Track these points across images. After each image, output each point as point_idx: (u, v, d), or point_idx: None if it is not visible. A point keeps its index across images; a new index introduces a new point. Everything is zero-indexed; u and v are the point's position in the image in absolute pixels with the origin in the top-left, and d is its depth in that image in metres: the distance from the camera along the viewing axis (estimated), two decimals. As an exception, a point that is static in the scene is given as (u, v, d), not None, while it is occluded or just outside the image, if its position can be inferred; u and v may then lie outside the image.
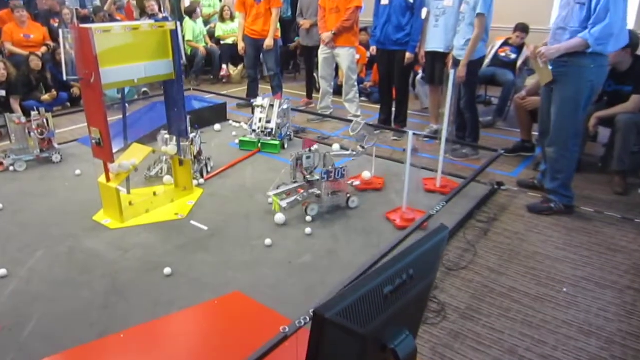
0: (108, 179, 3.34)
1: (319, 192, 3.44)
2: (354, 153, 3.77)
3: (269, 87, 6.71)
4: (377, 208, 3.60)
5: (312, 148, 3.51)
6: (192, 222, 3.40)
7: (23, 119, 4.34)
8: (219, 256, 3.02)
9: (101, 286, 2.72)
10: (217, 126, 5.56)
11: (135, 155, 3.51)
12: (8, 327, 2.39)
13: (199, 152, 4.17)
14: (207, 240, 3.19)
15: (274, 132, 4.83)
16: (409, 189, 3.35)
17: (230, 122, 5.81)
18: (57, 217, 3.47)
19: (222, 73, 8.29)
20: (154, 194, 3.74)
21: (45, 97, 6.05)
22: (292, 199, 3.37)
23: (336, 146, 4.85)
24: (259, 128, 4.86)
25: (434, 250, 1.20)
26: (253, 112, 5.02)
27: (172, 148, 3.76)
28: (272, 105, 4.94)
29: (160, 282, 2.76)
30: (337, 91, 6.40)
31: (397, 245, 2.68)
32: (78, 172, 4.25)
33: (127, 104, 3.89)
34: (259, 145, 4.82)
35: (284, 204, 3.32)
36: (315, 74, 6.87)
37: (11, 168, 4.32)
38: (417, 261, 1.14)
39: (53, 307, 2.55)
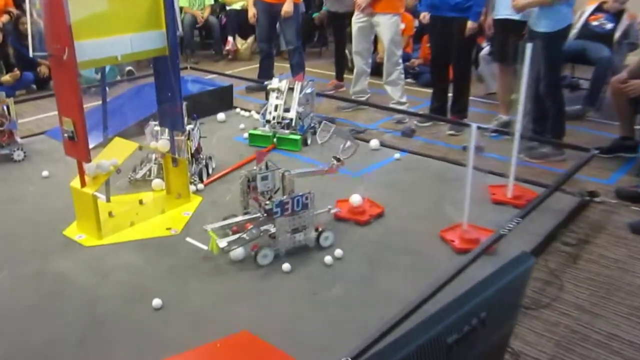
0: (83, 184, 3.38)
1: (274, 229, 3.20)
2: (325, 169, 3.52)
3: (287, 66, 6.74)
4: (426, 224, 3.56)
5: (269, 164, 3.29)
6: (188, 240, 3.41)
7: (-22, 106, 4.45)
8: (221, 284, 3.02)
9: (76, 319, 2.74)
10: (220, 115, 5.61)
11: (117, 152, 3.54)
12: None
13: (198, 150, 4.20)
14: (207, 263, 3.19)
15: (293, 124, 4.83)
16: (471, 199, 3.30)
17: (238, 110, 5.85)
18: (22, 230, 3.53)
19: (227, 47, 8.39)
20: (140, 202, 3.76)
21: (6, 77, 6.22)
22: (236, 237, 3.13)
23: (374, 142, 4.85)
24: (274, 118, 4.87)
25: (513, 286, 1.16)
26: (267, 98, 5.04)
27: (163, 144, 3.79)
28: (291, 89, 4.96)
29: (148, 317, 2.76)
30: (376, 71, 6.40)
31: (457, 275, 2.64)
32: (45, 173, 4.32)
33: (107, 87, 3.94)
34: (275, 140, 4.83)
35: (223, 243, 3.10)
36: (347, 49, 6.87)
37: (-37, 167, 4.43)
38: (492, 301, 1.10)
39: (18, 342, 2.58)
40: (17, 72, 6.28)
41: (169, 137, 3.80)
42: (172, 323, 2.72)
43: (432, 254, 3.27)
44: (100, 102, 3.78)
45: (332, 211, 3.61)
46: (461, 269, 2.68)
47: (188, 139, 3.97)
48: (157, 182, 4.02)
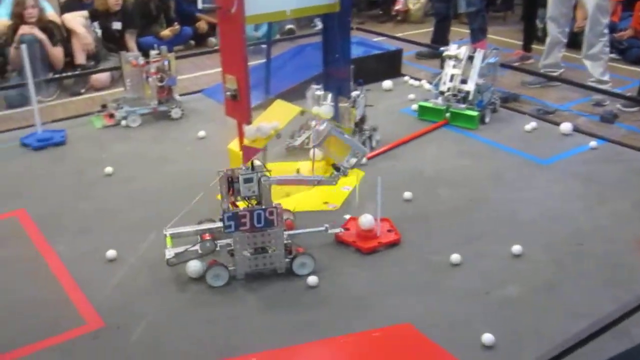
0: (242, 147, 3.57)
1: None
2: (322, 179, 3.22)
3: (465, 31, 6.60)
4: (627, 228, 3.37)
5: (256, 163, 3.04)
6: (348, 217, 3.49)
7: (141, 60, 4.86)
8: (382, 270, 3.07)
9: (221, 292, 2.94)
10: (386, 83, 5.64)
11: (278, 116, 3.67)
12: (116, 325, 2.72)
13: (362, 119, 4.26)
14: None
15: (471, 98, 4.74)
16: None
17: (406, 78, 5.84)
18: (174, 191, 3.82)
19: (397, 7, 8.37)
20: (297, 172, 3.89)
21: (166, 32, 6.70)
22: (184, 249, 3.00)
23: (565, 126, 4.63)
24: (449, 90, 4.81)
25: None
26: (442, 66, 4.98)
27: (327, 110, 3.87)
28: (471, 58, 4.86)
29: (301, 293, 2.91)
30: (572, 42, 6.07)
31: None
32: (202, 133, 4.63)
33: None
34: (447, 115, 4.79)
35: (169, 253, 3.00)
36: (538, 14, 6.59)
37: (123, 122, 4.88)
38: None
39: (166, 310, 2.83)
40: (176, 26, 6.74)
41: (332, 103, 3.87)
42: (325, 303, 2.84)
43: (633, 263, 3.09)
44: (258, 61, 3.91)
45: (331, 231, 3.26)
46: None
47: (353, 106, 4.02)
48: (315, 152, 4.13)
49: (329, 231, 3.23)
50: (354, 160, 3.14)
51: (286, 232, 3.11)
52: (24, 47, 4.57)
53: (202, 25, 7.26)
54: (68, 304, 2.87)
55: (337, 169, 3.13)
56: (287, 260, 3.03)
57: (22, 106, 5.31)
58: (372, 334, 2.55)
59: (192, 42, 7.21)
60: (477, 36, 6.12)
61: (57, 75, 5.82)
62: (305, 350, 2.49)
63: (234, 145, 3.64)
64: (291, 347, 2.52)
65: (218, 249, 3.03)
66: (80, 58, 6.03)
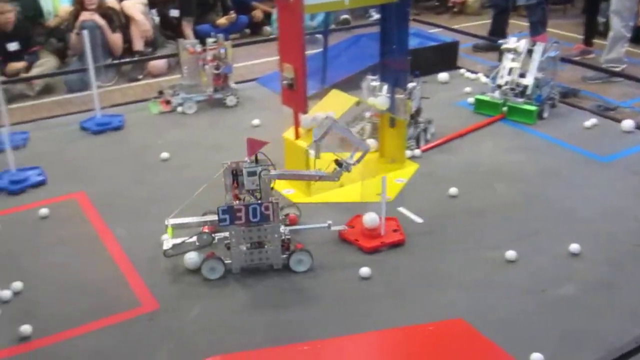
0: (297, 136, 3.59)
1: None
2: (324, 174, 3.13)
3: (525, 24, 6.48)
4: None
5: (260, 157, 3.00)
6: (401, 210, 3.50)
7: (198, 48, 4.92)
8: (434, 264, 3.06)
9: (275, 279, 2.99)
10: (442, 75, 5.59)
11: (334, 106, 3.69)
12: (170, 308, 2.78)
13: (417, 111, 4.23)
14: (420, 239, 3.26)
15: (529, 92, 4.66)
16: None
17: (462, 71, 5.78)
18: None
19: (454, -1, 8.28)
20: (351, 162, 3.93)
21: (222, 20, 6.76)
22: (181, 241, 3.01)
23: (628, 123, 4.52)
24: (506, 84, 4.74)
25: None
26: (499, 59, 4.91)
27: (383, 101, 3.87)
28: (530, 51, 4.77)
29: (353, 285, 2.92)
30: (636, 37, 5.91)
31: None
32: (256, 121, 4.68)
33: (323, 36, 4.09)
34: (504, 109, 4.72)
35: (167, 244, 3.02)
36: (600, 7, 6.43)
37: (179, 109, 4.97)
38: None
39: (217, 295, 2.88)
40: (233, 15, 6.79)
41: (388, 94, 3.87)
42: (377, 295, 2.85)
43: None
44: (313, 51, 3.92)
45: (334, 228, 3.22)
46: None
47: (409, 98, 4.00)
48: (370, 143, 4.12)
49: (332, 228, 3.19)
50: (357, 156, 3.10)
51: (287, 228, 3.10)
52: (85, 33, 4.68)
53: (258, 14, 7.32)
54: (124, 285, 2.95)
55: (339, 164, 3.07)
56: (284, 256, 3.00)
57: (81, 91, 5.44)
58: (426, 328, 2.54)
59: (248, 30, 7.27)
60: (537, 29, 6.00)
61: (115, 61, 5.95)
62: (359, 340, 2.49)
63: (289, 134, 3.66)
64: (345, 336, 2.53)
65: (216, 241, 3.03)
66: (138, 44, 6.14)
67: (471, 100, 4.94)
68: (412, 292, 2.88)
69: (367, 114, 4.29)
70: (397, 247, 3.18)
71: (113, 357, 2.54)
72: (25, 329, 2.62)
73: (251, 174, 2.94)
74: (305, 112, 3.52)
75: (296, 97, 3.48)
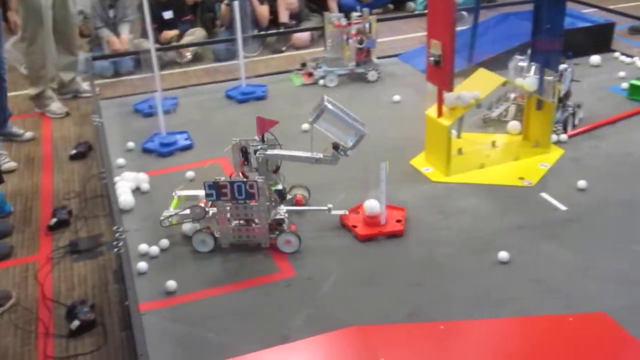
0: (440, 114, 3.56)
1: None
2: (321, 157, 3.07)
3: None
4: None
5: (270, 135, 3.02)
6: (544, 195, 3.40)
7: (343, 21, 4.97)
8: (578, 254, 2.96)
9: (415, 256, 3.01)
10: (594, 58, 5.32)
11: (480, 85, 3.62)
12: (306, 276, 2.88)
13: (567, 94, 4.07)
14: (564, 227, 3.16)
15: (692, 79, 4.36)
16: None
17: (617, 54, 5.46)
18: (367, 154, 3.88)
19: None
20: (493, 144, 3.84)
21: (365, -6, 6.79)
22: (175, 212, 3.11)
23: None
24: (667, 69, 4.45)
25: None
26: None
27: (531, 82, 3.76)
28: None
29: (489, 270, 2.88)
30: None
31: None
32: (397, 98, 4.67)
33: (467, 13, 4.01)
34: (662, 96, 4.43)
35: (165, 214, 3.13)
36: None
37: (321, 82, 5.05)
38: None
39: (354, 268, 2.94)
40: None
41: (537, 75, 3.75)
42: (514, 282, 2.79)
43: None
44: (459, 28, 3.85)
45: (334, 212, 3.18)
46: None
47: (559, 80, 3.85)
48: (513, 125, 4.02)
49: (332, 212, 3.17)
50: (353, 141, 3.06)
51: (285, 208, 3.13)
52: (235, 4, 4.84)
53: (402, -12, 7.29)
54: (264, 252, 3.06)
55: (336, 148, 3.03)
56: (272, 236, 3.02)
57: (228, 60, 5.66)
58: (566, 319, 2.48)
59: (391, 5, 7.25)
60: None
61: (261, 33, 6.13)
62: (495, 325, 2.48)
63: (432, 112, 3.63)
64: (481, 319, 2.53)
65: (210, 215, 3.07)
66: (284, 17, 6.31)
67: (625, 85, 4.67)
68: (551, 276, 2.81)
69: (512, 95, 4.18)
70: (543, 233, 3.10)
71: (251, 317, 2.66)
72: (171, 284, 2.80)
73: (259, 151, 3.05)
74: (450, 90, 3.47)
75: (442, 74, 3.44)
